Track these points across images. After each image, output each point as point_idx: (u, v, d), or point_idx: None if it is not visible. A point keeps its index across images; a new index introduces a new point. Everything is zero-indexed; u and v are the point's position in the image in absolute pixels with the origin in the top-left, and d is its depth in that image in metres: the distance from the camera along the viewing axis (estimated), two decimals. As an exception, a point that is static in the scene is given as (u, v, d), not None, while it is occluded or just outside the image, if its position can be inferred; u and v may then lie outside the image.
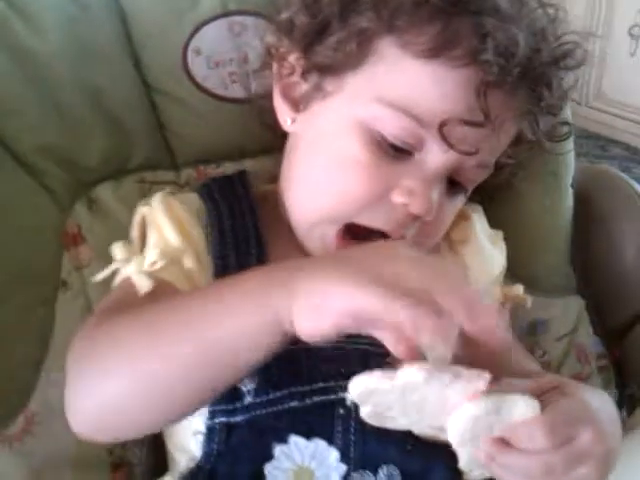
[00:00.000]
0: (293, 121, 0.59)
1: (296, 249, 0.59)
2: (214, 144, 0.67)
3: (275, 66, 0.59)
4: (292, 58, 0.58)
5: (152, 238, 0.56)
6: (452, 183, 0.56)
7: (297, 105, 0.58)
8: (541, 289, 0.71)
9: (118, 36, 0.62)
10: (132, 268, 0.53)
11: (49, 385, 0.58)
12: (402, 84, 0.52)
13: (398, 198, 0.53)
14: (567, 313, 0.74)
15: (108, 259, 0.56)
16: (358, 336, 0.41)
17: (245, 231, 0.58)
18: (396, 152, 0.53)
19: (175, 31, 0.63)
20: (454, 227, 0.62)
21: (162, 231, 0.56)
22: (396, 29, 0.52)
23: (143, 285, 0.52)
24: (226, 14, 0.64)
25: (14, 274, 0.58)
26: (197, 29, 0.63)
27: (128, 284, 0.53)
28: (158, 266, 0.53)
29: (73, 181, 0.62)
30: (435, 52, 0.51)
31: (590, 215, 0.74)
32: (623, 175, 0.76)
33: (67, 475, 0.59)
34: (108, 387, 0.46)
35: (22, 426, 0.57)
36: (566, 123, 0.64)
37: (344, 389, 0.42)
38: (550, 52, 0.55)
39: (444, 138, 0.52)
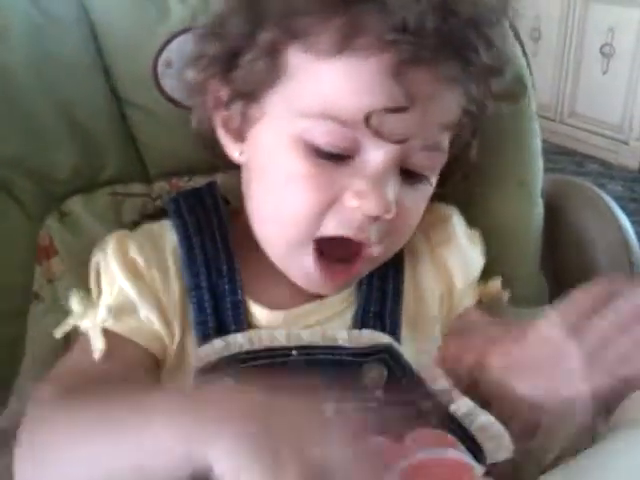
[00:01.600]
0: (241, 153, 0.57)
1: (269, 266, 0.58)
2: (186, 157, 0.66)
3: (208, 99, 0.57)
4: (216, 89, 0.56)
5: (105, 290, 0.55)
6: (408, 173, 0.54)
7: (240, 136, 0.57)
8: (511, 301, 0.70)
9: (87, 47, 0.62)
10: (87, 323, 0.53)
11: (20, 402, 0.57)
12: (316, 90, 0.51)
13: (350, 202, 0.52)
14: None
15: (80, 272, 0.56)
16: None
17: (215, 247, 0.57)
18: (336, 158, 0.51)
19: (145, 43, 0.63)
20: (434, 229, 0.62)
21: (115, 280, 0.54)
22: (298, 34, 0.50)
23: (97, 346, 0.51)
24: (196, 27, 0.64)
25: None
26: (168, 41, 0.63)
27: (85, 341, 0.53)
28: (110, 323, 0.53)
29: (43, 194, 0.62)
30: (339, 47, 0.49)
31: (561, 226, 0.74)
32: (593, 187, 0.77)
33: None
34: None
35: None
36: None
37: None
38: (466, 14, 0.50)
39: (374, 132, 0.50)
